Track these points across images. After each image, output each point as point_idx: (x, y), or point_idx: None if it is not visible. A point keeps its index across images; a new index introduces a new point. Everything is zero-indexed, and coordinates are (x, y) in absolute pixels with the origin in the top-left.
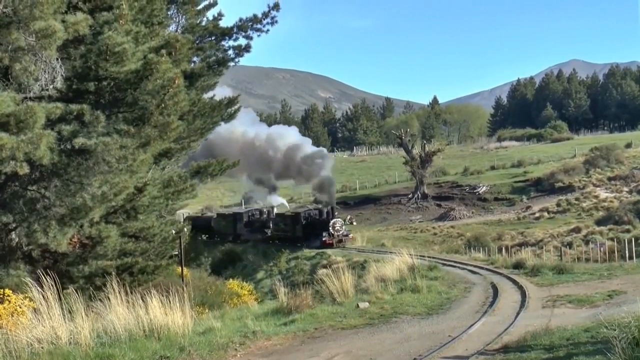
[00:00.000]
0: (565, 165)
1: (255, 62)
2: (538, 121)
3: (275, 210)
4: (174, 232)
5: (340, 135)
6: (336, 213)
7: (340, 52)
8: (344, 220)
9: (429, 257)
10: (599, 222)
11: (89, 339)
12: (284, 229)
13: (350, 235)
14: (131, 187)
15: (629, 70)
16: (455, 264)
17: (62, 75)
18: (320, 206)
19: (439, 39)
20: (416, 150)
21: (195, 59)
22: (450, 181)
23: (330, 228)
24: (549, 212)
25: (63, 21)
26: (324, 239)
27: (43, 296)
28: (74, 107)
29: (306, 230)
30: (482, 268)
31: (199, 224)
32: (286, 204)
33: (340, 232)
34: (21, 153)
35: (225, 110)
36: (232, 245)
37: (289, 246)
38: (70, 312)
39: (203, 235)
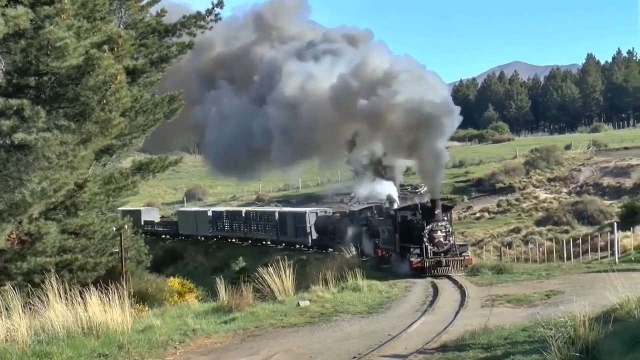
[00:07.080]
0: (506, 166)
1: None
2: (480, 122)
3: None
4: (114, 229)
5: None
6: (437, 211)
7: None
8: None
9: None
10: (538, 223)
11: (26, 337)
12: (388, 238)
13: (467, 255)
14: (71, 184)
15: (569, 73)
16: None
17: (1, 70)
18: (421, 199)
19: (383, 39)
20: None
21: (137, 55)
22: None
23: (426, 239)
24: (489, 213)
25: (3, 14)
26: (411, 258)
27: None
28: (13, 102)
29: (402, 241)
30: None
31: (326, 226)
32: (396, 197)
33: (445, 248)
34: None
35: (168, 107)
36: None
37: (380, 269)
38: (7, 310)
39: (329, 243)
